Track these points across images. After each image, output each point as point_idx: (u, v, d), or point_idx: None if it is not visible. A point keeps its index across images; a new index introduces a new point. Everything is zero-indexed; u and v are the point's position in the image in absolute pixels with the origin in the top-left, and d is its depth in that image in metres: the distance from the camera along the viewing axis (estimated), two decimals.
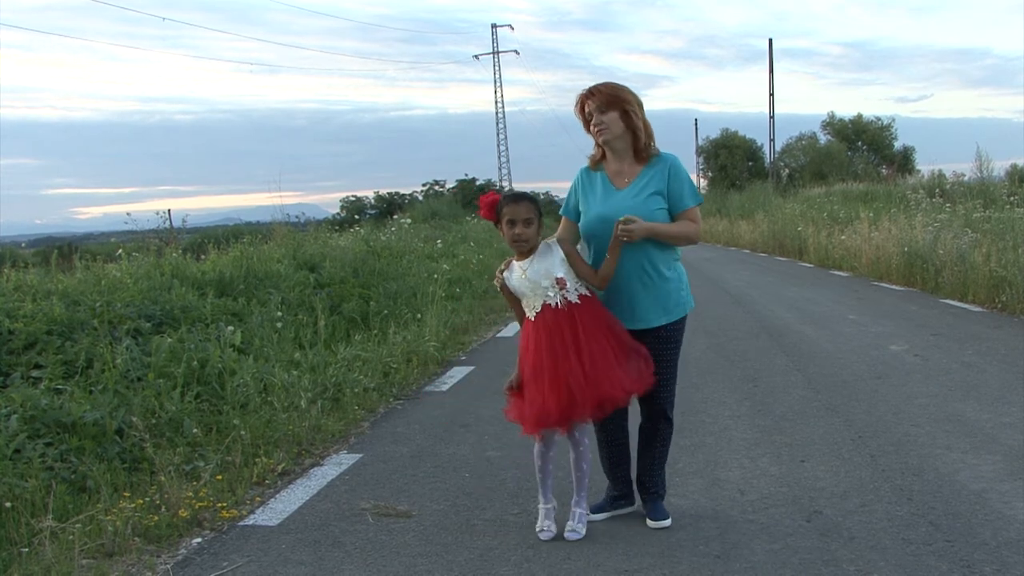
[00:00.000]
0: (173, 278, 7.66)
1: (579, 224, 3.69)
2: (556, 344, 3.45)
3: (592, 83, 3.64)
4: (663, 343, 3.61)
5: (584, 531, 3.59)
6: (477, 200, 3.74)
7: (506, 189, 47.40)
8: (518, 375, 3.59)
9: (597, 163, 3.70)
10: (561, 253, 3.53)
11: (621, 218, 3.43)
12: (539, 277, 3.48)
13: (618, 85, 3.60)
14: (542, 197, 49.22)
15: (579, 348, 3.43)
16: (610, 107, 3.54)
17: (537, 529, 3.63)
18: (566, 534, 3.57)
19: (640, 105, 3.60)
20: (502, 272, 3.62)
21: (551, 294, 3.48)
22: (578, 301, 3.48)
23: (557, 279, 3.47)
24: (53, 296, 6.29)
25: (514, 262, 3.59)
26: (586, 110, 3.60)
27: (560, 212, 3.82)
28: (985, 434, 4.77)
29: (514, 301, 3.62)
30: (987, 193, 18.48)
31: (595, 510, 3.77)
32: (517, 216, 3.49)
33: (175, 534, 3.70)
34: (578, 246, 3.70)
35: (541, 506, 3.68)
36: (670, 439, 3.78)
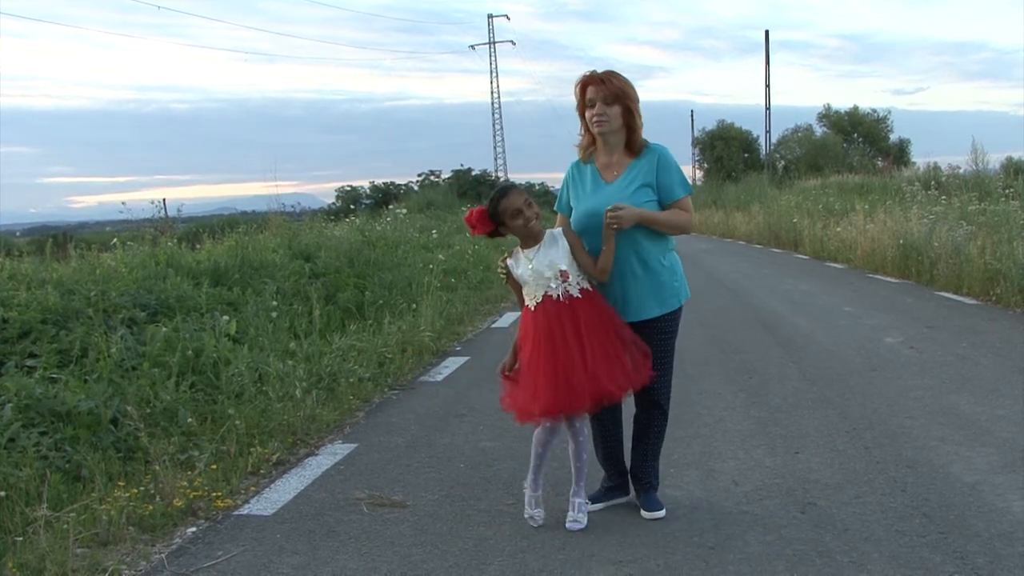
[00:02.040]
0: (168, 267, 7.64)
1: (570, 219, 3.66)
2: (556, 336, 3.44)
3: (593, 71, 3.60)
4: (658, 334, 3.60)
5: (585, 520, 3.60)
6: (473, 196, 3.73)
7: (501, 180, 47.22)
8: (511, 359, 3.59)
9: (587, 152, 3.66)
10: (566, 244, 3.51)
11: (609, 206, 3.40)
12: (543, 268, 3.47)
13: (625, 79, 3.54)
14: (537, 188, 49.12)
15: (580, 342, 3.42)
16: (616, 101, 3.48)
17: (526, 516, 3.64)
18: (568, 524, 3.58)
19: (638, 102, 3.56)
20: (505, 260, 3.59)
21: (553, 286, 3.47)
22: (579, 295, 3.47)
23: (561, 271, 3.46)
24: (48, 285, 6.26)
25: (519, 251, 3.56)
26: (587, 95, 3.53)
27: (555, 208, 3.79)
28: (979, 427, 4.79)
29: (517, 288, 3.60)
30: (982, 186, 18.50)
31: (590, 500, 3.77)
32: (517, 204, 3.45)
33: (170, 523, 3.70)
34: None
35: (530, 493, 3.66)
36: (664, 430, 3.77)
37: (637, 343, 3.52)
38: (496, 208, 3.49)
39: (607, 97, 3.48)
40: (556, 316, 3.45)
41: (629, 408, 3.79)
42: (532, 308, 3.52)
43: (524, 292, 3.56)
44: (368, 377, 6.18)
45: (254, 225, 11.68)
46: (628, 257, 3.51)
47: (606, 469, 3.86)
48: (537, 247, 3.51)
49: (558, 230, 3.57)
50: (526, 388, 3.50)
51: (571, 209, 3.66)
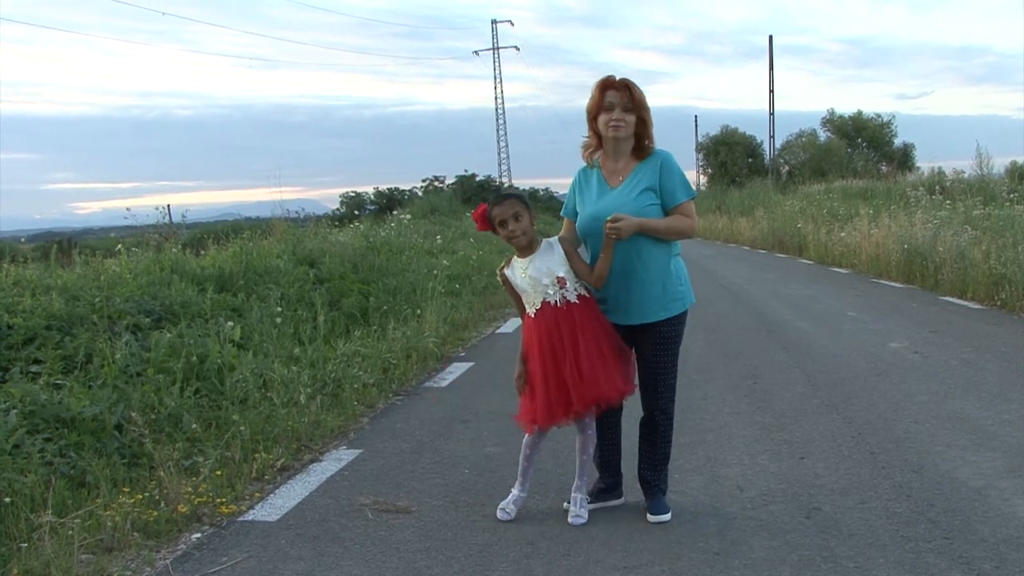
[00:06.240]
0: (172, 273, 7.64)
1: (575, 223, 3.71)
2: (555, 342, 3.52)
3: (595, 79, 3.65)
4: (662, 339, 3.62)
5: (587, 515, 3.66)
6: (477, 202, 3.82)
7: (505, 185, 47.28)
8: (521, 368, 3.64)
9: (590, 154, 3.71)
10: (562, 252, 3.58)
11: (609, 216, 3.44)
12: (540, 275, 3.54)
13: (642, 91, 3.59)
14: (542, 193, 49.11)
15: (576, 347, 3.50)
16: (635, 110, 3.54)
17: (500, 506, 3.75)
18: (570, 519, 3.64)
19: (650, 112, 3.62)
20: (503, 269, 3.68)
21: (551, 292, 3.54)
22: (576, 301, 3.55)
23: (558, 278, 3.54)
24: (52, 291, 6.28)
25: (515, 259, 3.64)
26: (607, 98, 3.54)
27: (561, 213, 3.85)
28: (985, 431, 4.77)
29: (516, 297, 3.68)
30: (987, 190, 18.48)
31: None
32: (505, 215, 3.56)
33: (174, 529, 3.70)
34: (579, 248, 3.72)
35: (515, 490, 3.78)
36: (671, 435, 3.79)
37: (627, 351, 3.61)
38: (490, 213, 3.61)
39: (627, 104, 3.53)
40: (555, 322, 3.53)
41: (635, 413, 3.79)
42: (532, 315, 3.59)
43: (524, 300, 3.63)
44: (372, 383, 6.18)
45: (258, 231, 11.71)
46: (631, 262, 3.54)
47: (600, 471, 3.89)
48: (531, 257, 3.58)
49: (554, 238, 3.64)
50: (533, 396, 3.59)
51: (577, 214, 3.71)
